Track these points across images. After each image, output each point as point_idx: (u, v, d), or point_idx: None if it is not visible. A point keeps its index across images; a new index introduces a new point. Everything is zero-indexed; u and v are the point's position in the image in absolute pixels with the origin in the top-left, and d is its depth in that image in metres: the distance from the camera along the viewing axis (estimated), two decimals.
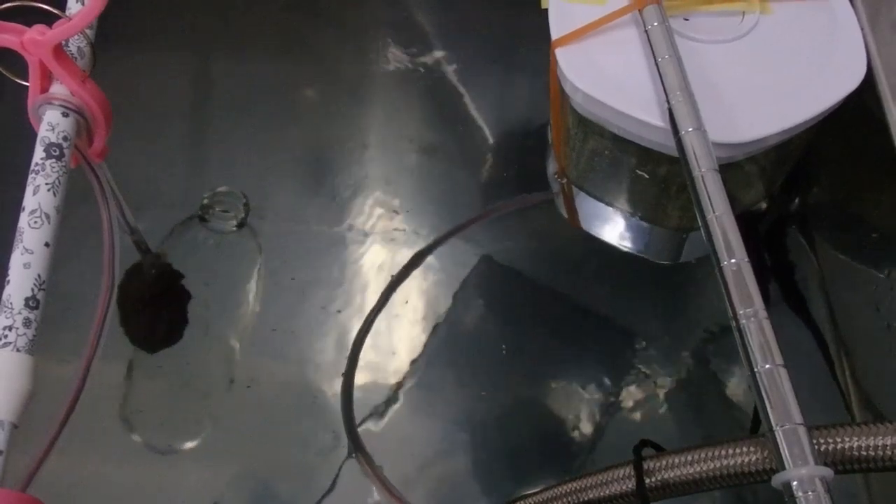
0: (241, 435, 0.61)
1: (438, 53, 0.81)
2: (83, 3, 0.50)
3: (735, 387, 0.62)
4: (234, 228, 0.70)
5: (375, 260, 0.69)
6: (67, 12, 0.50)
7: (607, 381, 0.63)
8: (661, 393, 0.63)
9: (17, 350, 0.39)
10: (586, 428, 0.61)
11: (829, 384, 0.61)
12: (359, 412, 0.62)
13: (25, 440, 0.40)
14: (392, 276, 0.68)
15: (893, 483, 0.55)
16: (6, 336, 0.39)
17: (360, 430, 0.61)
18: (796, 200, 0.70)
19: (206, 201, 0.70)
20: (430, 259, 0.69)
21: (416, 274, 0.68)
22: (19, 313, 0.40)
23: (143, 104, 0.77)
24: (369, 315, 0.66)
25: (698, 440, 0.60)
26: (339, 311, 0.66)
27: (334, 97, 0.79)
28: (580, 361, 0.64)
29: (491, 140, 0.76)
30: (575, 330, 0.66)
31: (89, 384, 0.48)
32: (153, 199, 0.71)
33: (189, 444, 0.61)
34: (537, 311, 0.67)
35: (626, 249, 0.69)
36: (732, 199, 0.63)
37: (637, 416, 0.62)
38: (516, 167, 0.75)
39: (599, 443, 0.61)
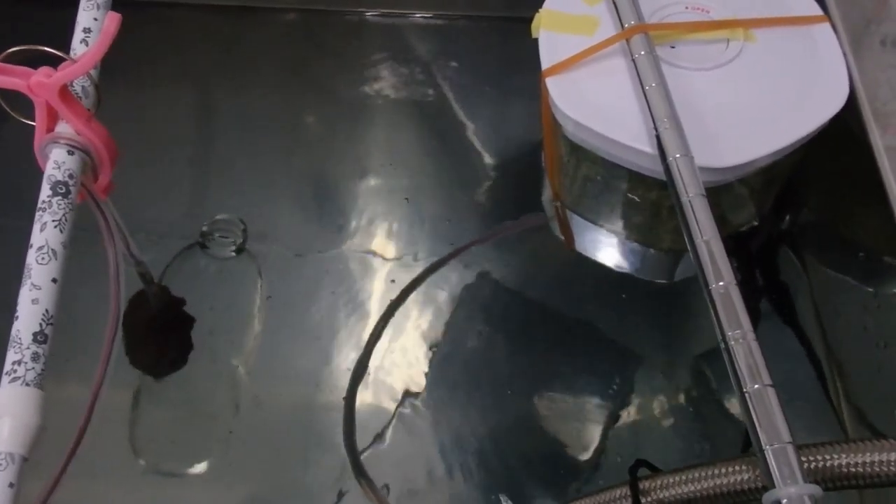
0: (246, 459, 0.62)
1: (436, 80, 0.82)
2: (87, 45, 0.52)
3: (733, 404, 0.63)
4: (234, 254, 0.71)
5: (375, 283, 0.70)
6: (72, 54, 0.51)
7: (607, 401, 0.64)
8: (661, 411, 0.63)
9: (27, 384, 0.40)
10: (587, 447, 0.62)
11: (822, 401, 0.62)
12: (361, 435, 0.62)
13: (35, 468, 0.41)
14: (392, 299, 0.69)
15: (888, 499, 0.56)
16: (15, 371, 0.40)
17: (361, 453, 0.61)
18: (787, 220, 0.71)
19: (205, 229, 0.72)
20: (429, 282, 0.70)
21: (416, 297, 0.69)
22: (28, 348, 0.41)
23: (144, 136, 0.78)
24: (370, 338, 0.67)
25: (699, 458, 0.61)
26: (339, 335, 0.67)
27: (333, 124, 0.80)
28: (579, 381, 0.65)
29: (488, 164, 0.77)
30: (574, 350, 0.67)
31: (97, 411, 0.49)
32: (155, 229, 0.72)
33: (196, 469, 0.61)
34: (536, 332, 0.68)
35: (620, 271, 0.70)
36: (724, 220, 0.66)
37: (637, 435, 0.62)
38: (513, 191, 0.76)
39: (600, 462, 0.62)
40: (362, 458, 0.61)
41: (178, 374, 0.66)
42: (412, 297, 0.69)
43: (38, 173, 0.49)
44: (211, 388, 0.65)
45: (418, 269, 0.70)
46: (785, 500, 0.41)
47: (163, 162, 0.77)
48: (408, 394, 0.64)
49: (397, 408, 0.64)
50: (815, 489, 0.41)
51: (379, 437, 0.63)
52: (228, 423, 0.63)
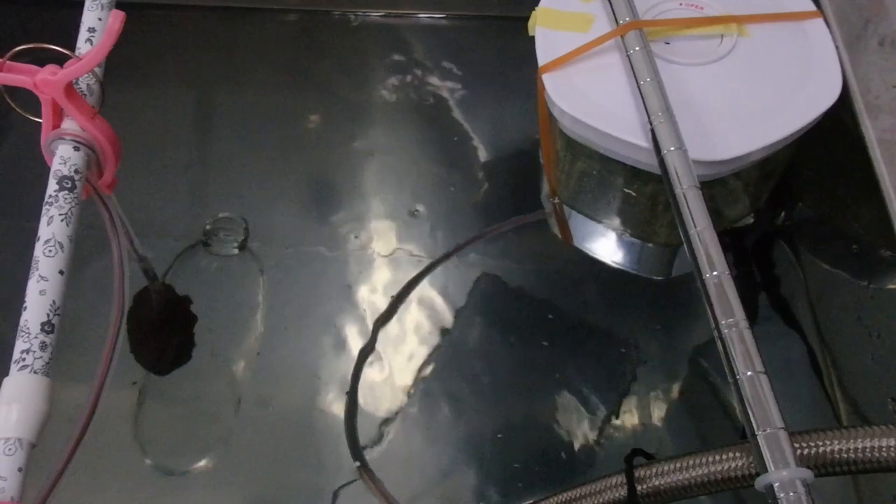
0: (248, 455, 0.63)
1: (434, 80, 0.83)
2: (92, 44, 0.53)
3: (730, 397, 0.64)
4: (236, 251, 0.72)
5: (376, 281, 0.71)
6: (77, 52, 0.52)
7: (605, 395, 0.65)
8: (659, 405, 0.64)
9: (35, 372, 0.41)
10: (586, 442, 0.63)
11: (817, 392, 0.62)
12: (362, 431, 0.63)
13: (40, 463, 0.41)
14: (393, 296, 0.69)
15: (880, 484, 0.56)
16: (24, 359, 0.41)
17: (363, 448, 0.62)
18: (782, 215, 0.72)
19: (208, 227, 0.73)
20: (429, 279, 0.71)
21: (417, 294, 0.70)
22: (36, 337, 0.42)
23: (148, 136, 0.79)
24: (371, 335, 0.67)
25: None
26: (341, 332, 0.68)
27: (334, 123, 0.81)
28: (578, 376, 0.66)
29: (486, 162, 0.78)
30: (572, 345, 0.68)
31: (101, 408, 0.50)
32: (159, 228, 0.73)
33: (199, 466, 0.62)
34: (535, 327, 0.69)
35: (618, 266, 0.71)
36: (719, 215, 0.66)
37: (635, 428, 0.63)
38: (511, 188, 0.77)
39: (599, 456, 0.62)
40: (365, 452, 0.62)
41: (181, 371, 0.66)
42: (413, 293, 0.70)
43: (38, 174, 0.50)
44: (213, 385, 0.66)
45: (419, 266, 0.71)
46: (777, 484, 0.41)
47: (165, 162, 0.78)
48: (410, 389, 0.65)
49: (398, 402, 0.64)
50: (807, 473, 0.42)
51: (381, 432, 0.63)
52: (231, 420, 0.64)
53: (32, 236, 0.47)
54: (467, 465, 0.62)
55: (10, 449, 0.39)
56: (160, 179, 0.77)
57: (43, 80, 0.48)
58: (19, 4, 0.86)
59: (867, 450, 0.44)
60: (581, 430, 0.63)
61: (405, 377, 0.66)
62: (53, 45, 0.49)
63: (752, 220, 0.70)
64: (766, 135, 0.57)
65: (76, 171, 0.48)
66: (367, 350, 0.67)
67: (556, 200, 0.73)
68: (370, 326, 0.68)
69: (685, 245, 0.50)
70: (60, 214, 0.46)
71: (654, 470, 0.48)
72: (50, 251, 0.45)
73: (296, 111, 0.82)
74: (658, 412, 0.63)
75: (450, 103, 0.82)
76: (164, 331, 0.68)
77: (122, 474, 0.62)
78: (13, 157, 0.77)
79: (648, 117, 0.55)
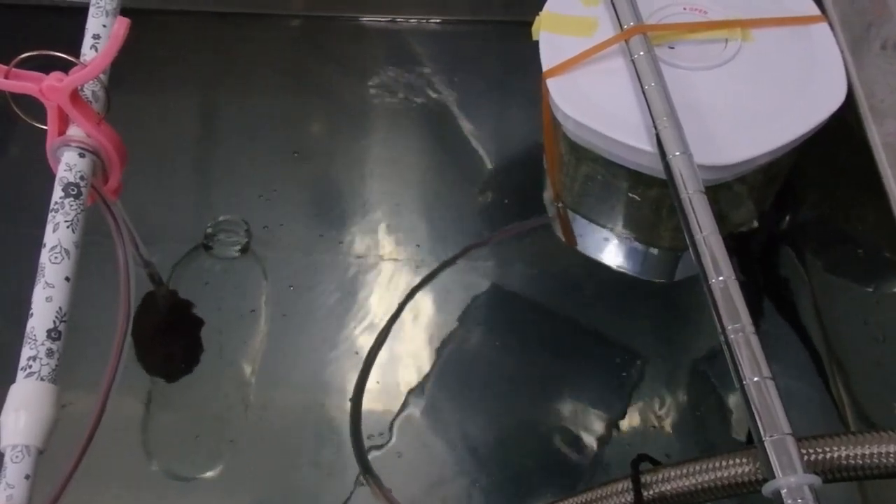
0: (255, 460, 0.62)
1: (438, 84, 0.83)
2: (97, 50, 0.53)
3: (735, 402, 0.64)
4: (238, 254, 0.72)
5: (379, 286, 0.71)
6: (82, 59, 0.52)
7: (610, 400, 0.64)
8: (663, 410, 0.64)
9: (41, 379, 0.41)
10: (590, 447, 0.62)
11: (823, 397, 0.62)
12: (367, 436, 0.63)
13: (47, 470, 0.41)
14: (397, 301, 0.69)
15: (887, 491, 0.56)
16: (31, 366, 0.41)
17: (368, 453, 0.62)
18: (787, 219, 0.72)
19: (209, 230, 0.73)
20: (433, 284, 0.70)
21: (420, 299, 0.70)
22: (42, 344, 0.42)
23: (150, 141, 0.79)
24: (376, 340, 0.67)
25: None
26: (344, 336, 0.68)
27: (336, 128, 0.81)
28: (582, 381, 0.66)
29: (490, 167, 0.78)
30: (577, 350, 0.68)
31: (108, 413, 0.50)
32: (161, 231, 0.73)
33: (204, 471, 0.62)
34: (539, 332, 0.69)
35: (622, 270, 0.71)
36: (724, 219, 0.66)
37: (640, 433, 0.63)
38: (515, 192, 0.77)
39: (604, 461, 0.62)
40: (370, 458, 0.62)
41: (189, 375, 0.66)
42: (416, 298, 0.70)
43: (43, 180, 0.50)
44: (220, 389, 0.66)
45: (423, 271, 0.71)
46: (785, 490, 0.41)
47: (166, 166, 0.78)
48: (414, 395, 0.65)
49: (403, 407, 0.64)
50: (815, 479, 0.42)
51: (386, 437, 0.63)
52: (238, 424, 0.64)
53: (37, 243, 0.47)
54: (472, 470, 0.62)
55: (17, 456, 0.39)
56: (160, 184, 0.77)
57: (48, 86, 0.48)
58: (24, 11, 0.87)
59: (875, 456, 0.44)
60: (586, 435, 0.63)
61: (409, 382, 0.66)
62: (58, 51, 0.49)
63: (756, 225, 0.70)
64: (772, 139, 0.57)
65: (82, 178, 0.48)
66: (372, 355, 0.67)
67: (560, 205, 0.73)
68: (374, 331, 0.68)
69: (691, 250, 0.50)
70: (66, 221, 0.46)
71: (660, 475, 0.48)
72: (56, 258, 0.45)
73: (298, 115, 0.82)
74: (664, 417, 0.63)
75: (453, 108, 0.82)
76: (170, 336, 0.68)
77: (129, 480, 0.62)
78: (18, 163, 0.77)
79: (653, 122, 0.55)
